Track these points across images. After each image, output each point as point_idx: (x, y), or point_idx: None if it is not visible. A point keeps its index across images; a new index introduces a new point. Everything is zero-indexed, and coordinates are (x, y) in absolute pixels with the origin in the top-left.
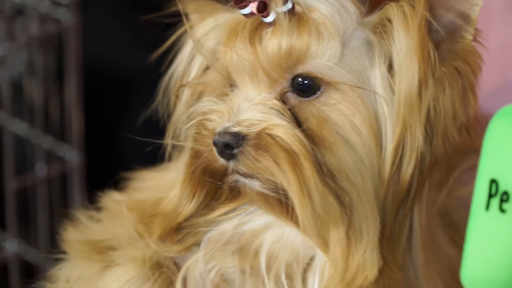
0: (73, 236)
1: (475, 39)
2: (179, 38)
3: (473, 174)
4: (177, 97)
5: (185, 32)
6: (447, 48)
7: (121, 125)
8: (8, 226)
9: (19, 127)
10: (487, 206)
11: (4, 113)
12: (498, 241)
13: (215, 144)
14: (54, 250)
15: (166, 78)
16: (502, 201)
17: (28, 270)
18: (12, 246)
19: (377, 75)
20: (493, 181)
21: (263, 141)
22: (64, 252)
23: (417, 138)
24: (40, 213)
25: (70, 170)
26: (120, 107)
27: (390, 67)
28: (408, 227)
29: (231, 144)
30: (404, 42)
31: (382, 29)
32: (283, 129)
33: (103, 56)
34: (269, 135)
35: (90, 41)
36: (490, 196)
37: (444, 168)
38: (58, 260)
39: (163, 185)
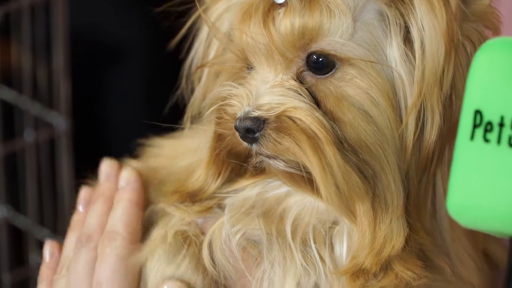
0: None
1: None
2: (194, 23)
3: None
4: (199, 80)
5: (199, 16)
6: (466, 9)
7: (108, 92)
8: None
9: (7, 94)
10: (472, 136)
11: None
12: (482, 170)
13: (236, 129)
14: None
15: (187, 63)
16: (486, 131)
17: (17, 235)
18: (0, 211)
19: (393, 47)
20: (477, 112)
21: (283, 123)
22: None
23: (438, 108)
24: (29, 179)
25: (58, 136)
26: (107, 74)
27: (406, 38)
28: (432, 190)
29: (252, 129)
30: (427, 20)
31: (399, 2)
32: (303, 111)
33: (91, 23)
34: (289, 117)
35: (78, 9)
36: (475, 126)
37: None
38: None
39: (182, 153)
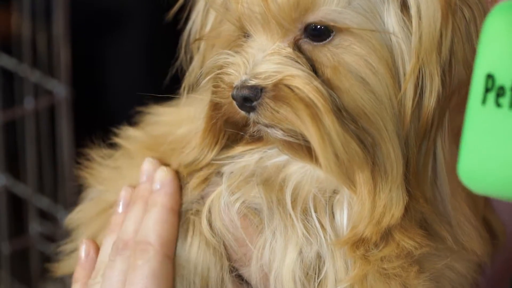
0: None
1: None
2: None
3: None
4: (197, 51)
5: None
6: None
7: (108, 58)
8: None
9: (7, 61)
10: (484, 101)
11: None
12: (494, 135)
13: (234, 98)
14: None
15: (185, 34)
16: (498, 95)
17: (16, 204)
18: (0, 180)
19: (391, 13)
20: (489, 76)
21: (281, 92)
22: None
23: (436, 74)
24: (28, 147)
25: (58, 103)
26: (107, 40)
27: (403, 4)
28: (432, 157)
29: (249, 98)
30: None
31: None
32: (301, 80)
33: None
34: (287, 86)
35: None
36: (487, 90)
37: (463, 92)
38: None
39: (180, 120)
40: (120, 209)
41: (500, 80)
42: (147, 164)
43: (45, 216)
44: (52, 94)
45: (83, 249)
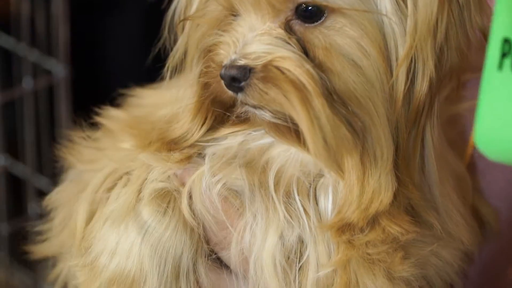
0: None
1: None
2: None
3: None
4: (182, 31)
5: None
6: None
7: (107, 38)
8: None
9: (5, 41)
10: (500, 66)
11: None
12: (511, 100)
13: (222, 77)
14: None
15: (169, 13)
16: None
17: (16, 184)
18: None
19: None
20: (506, 41)
21: (270, 73)
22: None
23: (430, 60)
24: (27, 127)
25: (57, 83)
26: (106, 20)
27: None
28: (421, 144)
29: (237, 78)
30: None
31: None
32: (291, 62)
33: None
34: (277, 67)
35: None
36: (503, 55)
37: (454, 81)
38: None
39: (163, 103)
40: None
41: None
42: None
43: (44, 196)
44: (51, 74)
45: None
